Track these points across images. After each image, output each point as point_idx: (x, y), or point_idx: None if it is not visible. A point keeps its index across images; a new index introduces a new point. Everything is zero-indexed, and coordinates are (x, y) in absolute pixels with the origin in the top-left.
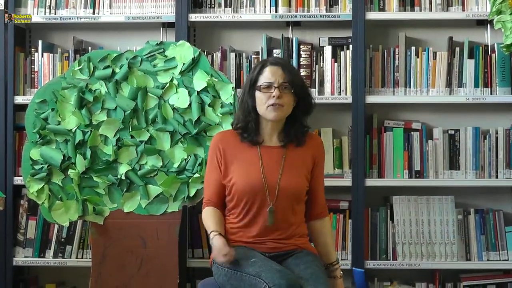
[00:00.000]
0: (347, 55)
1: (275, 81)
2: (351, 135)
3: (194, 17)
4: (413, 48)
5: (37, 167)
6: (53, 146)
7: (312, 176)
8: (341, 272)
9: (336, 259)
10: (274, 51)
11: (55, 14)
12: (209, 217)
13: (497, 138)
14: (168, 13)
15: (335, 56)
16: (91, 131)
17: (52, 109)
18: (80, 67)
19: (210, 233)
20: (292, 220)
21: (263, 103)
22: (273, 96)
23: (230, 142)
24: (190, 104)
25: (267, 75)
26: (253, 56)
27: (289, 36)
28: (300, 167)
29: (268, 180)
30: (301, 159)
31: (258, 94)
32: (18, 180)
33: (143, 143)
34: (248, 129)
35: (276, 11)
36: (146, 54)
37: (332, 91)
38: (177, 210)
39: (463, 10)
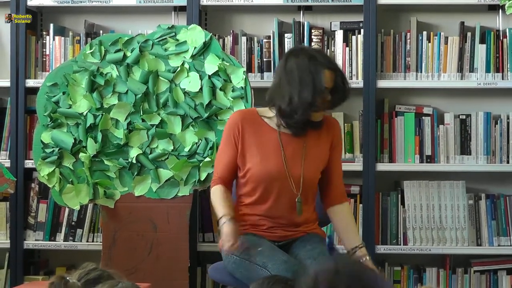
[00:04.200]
0: (358, 40)
1: (330, 86)
2: (362, 120)
3: (205, 1)
4: (424, 33)
5: (48, 150)
6: (64, 129)
7: (330, 160)
8: (368, 256)
9: (361, 242)
10: (286, 35)
11: None
12: (218, 198)
13: (508, 123)
14: None
15: (346, 41)
16: (102, 114)
17: (64, 93)
18: (91, 50)
19: (220, 218)
20: (310, 209)
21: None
22: (326, 100)
23: (250, 123)
24: (201, 88)
25: (326, 80)
26: (264, 40)
27: (301, 21)
28: (319, 156)
29: (291, 170)
30: (320, 147)
31: None
32: (29, 164)
33: (154, 126)
34: (304, 122)
35: None
36: (158, 38)
37: None
38: (188, 194)
39: None
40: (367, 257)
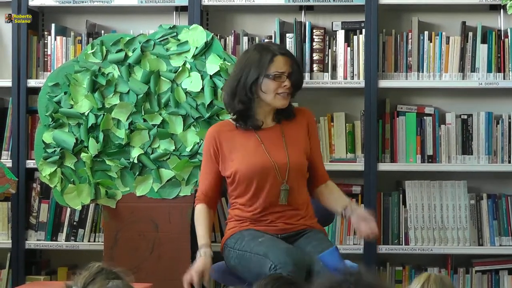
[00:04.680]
0: (360, 40)
1: (286, 71)
2: (363, 120)
3: (207, 1)
4: (426, 33)
5: (49, 150)
6: (66, 129)
7: (310, 147)
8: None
9: (350, 200)
10: (287, 35)
11: None
12: (200, 223)
13: (510, 123)
14: None
15: (348, 41)
16: (103, 114)
17: (65, 93)
18: (93, 50)
19: (199, 247)
20: (303, 198)
21: (272, 91)
22: (284, 86)
23: (227, 134)
24: (202, 88)
25: (279, 65)
26: (265, 40)
27: (302, 20)
28: (300, 143)
29: (275, 160)
30: (299, 135)
31: (268, 82)
32: (30, 164)
33: (156, 126)
34: (248, 115)
35: None
36: (159, 38)
37: (345, 75)
38: (190, 194)
39: None
40: (361, 207)
